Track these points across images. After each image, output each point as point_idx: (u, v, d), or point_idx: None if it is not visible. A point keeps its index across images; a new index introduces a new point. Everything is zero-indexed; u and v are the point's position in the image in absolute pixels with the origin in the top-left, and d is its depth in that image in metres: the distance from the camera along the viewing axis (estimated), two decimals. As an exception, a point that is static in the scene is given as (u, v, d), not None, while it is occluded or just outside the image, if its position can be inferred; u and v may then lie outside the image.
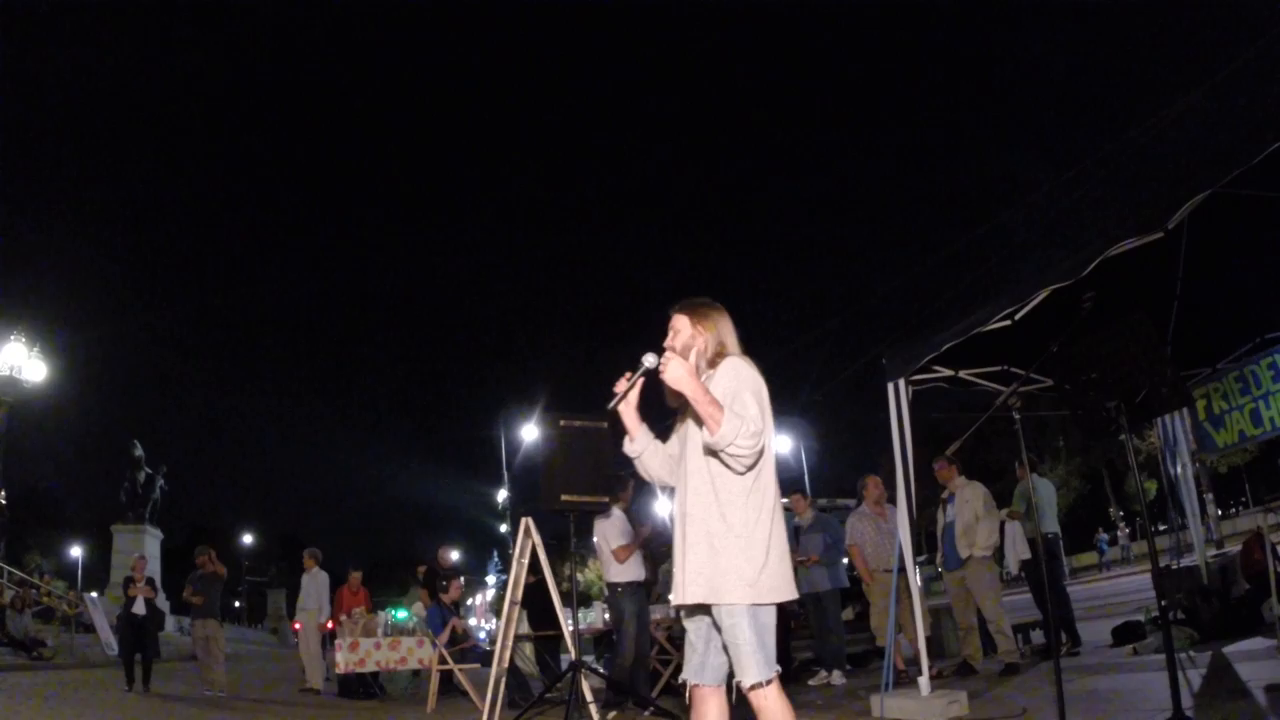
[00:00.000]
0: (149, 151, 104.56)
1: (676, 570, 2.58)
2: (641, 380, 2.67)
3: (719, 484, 2.53)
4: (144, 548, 23.19)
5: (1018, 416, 4.21)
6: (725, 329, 2.74)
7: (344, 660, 8.83)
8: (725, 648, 2.52)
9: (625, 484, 6.73)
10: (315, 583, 10.64)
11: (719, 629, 2.52)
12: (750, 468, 2.50)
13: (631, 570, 6.52)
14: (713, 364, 2.67)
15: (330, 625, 10.81)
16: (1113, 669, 6.04)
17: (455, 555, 10.48)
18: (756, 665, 2.42)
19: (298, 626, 11.37)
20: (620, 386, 2.69)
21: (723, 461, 2.51)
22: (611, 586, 6.56)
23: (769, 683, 2.42)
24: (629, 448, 2.86)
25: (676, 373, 2.50)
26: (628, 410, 2.77)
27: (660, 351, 2.67)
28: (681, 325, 2.75)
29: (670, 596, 2.72)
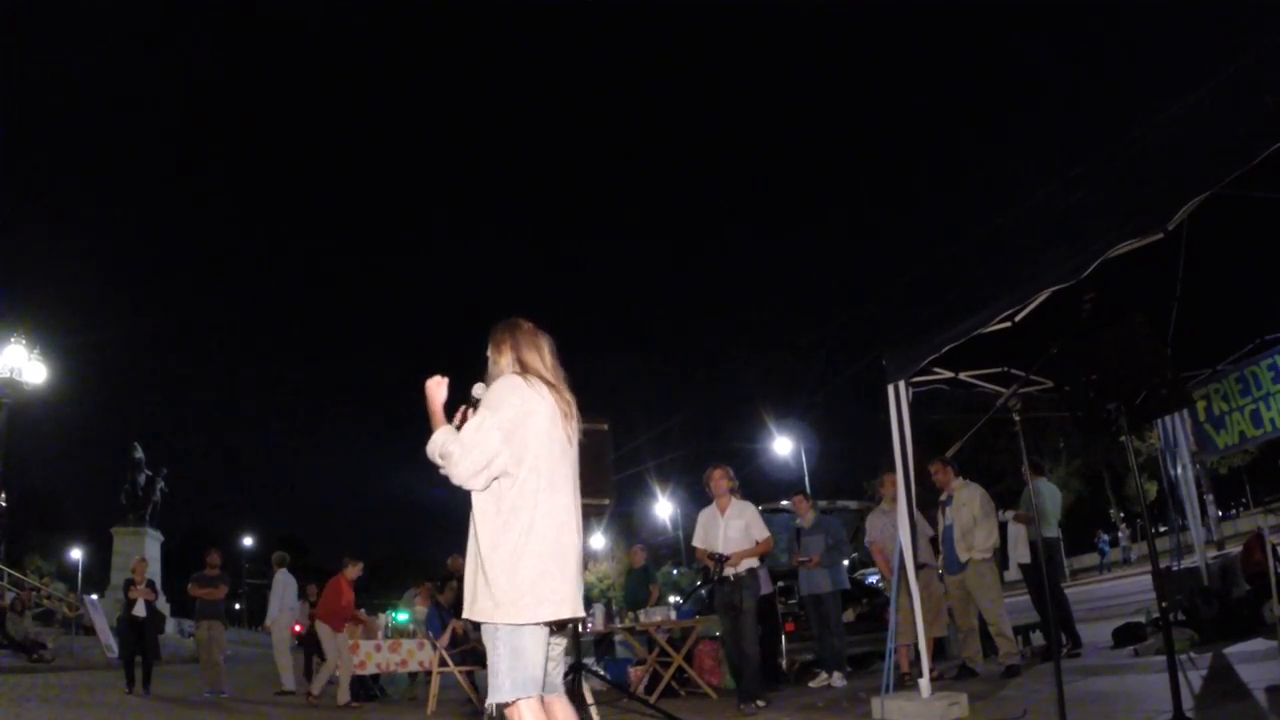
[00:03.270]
0: (151, 152, 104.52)
1: None
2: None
3: (475, 502, 2.59)
4: (144, 550, 23.14)
5: (1018, 418, 4.21)
6: (520, 346, 2.78)
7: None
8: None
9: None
10: (279, 585, 10.66)
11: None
12: (473, 475, 2.52)
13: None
14: None
15: (298, 628, 10.97)
16: (1113, 670, 6.03)
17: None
18: (498, 686, 2.46)
19: (298, 629, 11.37)
20: (458, 419, 2.75)
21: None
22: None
23: (516, 702, 2.45)
24: None
25: (428, 397, 2.69)
26: None
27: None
28: (489, 353, 2.84)
29: None
